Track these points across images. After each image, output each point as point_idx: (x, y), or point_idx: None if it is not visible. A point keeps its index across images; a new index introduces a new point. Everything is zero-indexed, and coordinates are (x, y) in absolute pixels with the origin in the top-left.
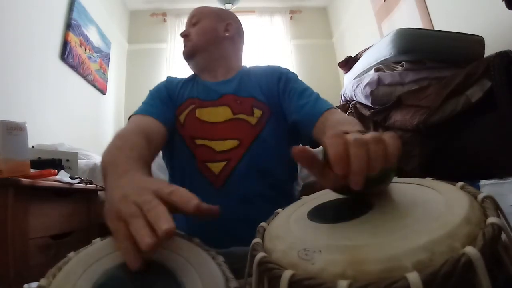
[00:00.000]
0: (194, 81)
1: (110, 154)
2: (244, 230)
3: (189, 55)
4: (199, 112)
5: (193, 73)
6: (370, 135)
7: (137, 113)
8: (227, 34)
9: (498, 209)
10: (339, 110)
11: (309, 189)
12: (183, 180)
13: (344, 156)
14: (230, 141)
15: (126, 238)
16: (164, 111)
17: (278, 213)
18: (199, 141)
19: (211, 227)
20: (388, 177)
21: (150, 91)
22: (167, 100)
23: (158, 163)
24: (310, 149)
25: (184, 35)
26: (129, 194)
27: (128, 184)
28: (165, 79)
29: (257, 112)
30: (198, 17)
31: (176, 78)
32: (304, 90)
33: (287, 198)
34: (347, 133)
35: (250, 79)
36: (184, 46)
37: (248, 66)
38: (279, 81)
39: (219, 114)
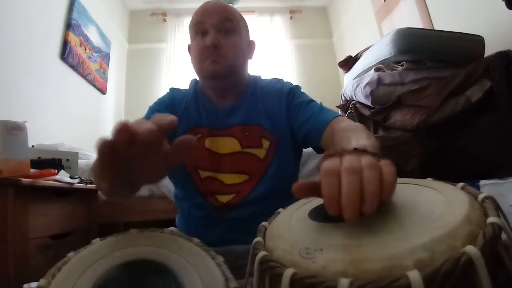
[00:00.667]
0: (197, 99)
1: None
2: (245, 243)
3: (222, 76)
4: (210, 143)
5: (192, 81)
6: (365, 160)
7: None
8: (251, 57)
9: (498, 209)
10: (345, 117)
11: None
12: (185, 197)
13: (337, 198)
14: (239, 175)
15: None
16: None
17: (279, 213)
18: (204, 173)
19: (215, 242)
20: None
21: (150, 106)
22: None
23: None
24: (306, 181)
25: (215, 45)
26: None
27: None
28: (164, 80)
29: (266, 143)
30: (232, 25)
31: (179, 91)
32: (308, 103)
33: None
34: (343, 153)
35: (258, 104)
36: (215, 62)
37: (252, 76)
38: (287, 99)
39: (226, 145)
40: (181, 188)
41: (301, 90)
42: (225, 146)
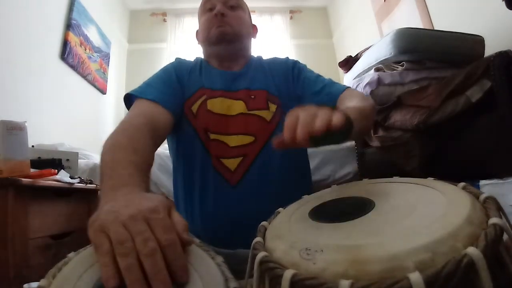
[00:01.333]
0: (202, 67)
1: (112, 152)
2: (256, 229)
3: (227, 39)
4: (211, 104)
5: (197, 57)
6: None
7: (143, 95)
8: (254, 37)
9: (500, 210)
10: (354, 89)
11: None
12: (194, 176)
13: (294, 127)
14: (245, 136)
15: (108, 255)
16: (172, 98)
17: (279, 212)
18: (212, 135)
19: (225, 224)
20: (335, 138)
21: (157, 72)
22: (175, 85)
23: (159, 163)
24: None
25: (222, 13)
26: (121, 213)
27: (122, 199)
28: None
29: (272, 107)
30: (236, 2)
31: (185, 61)
32: (317, 77)
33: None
34: None
35: (264, 70)
36: (220, 26)
37: (256, 56)
38: (293, 70)
39: (232, 107)
40: (190, 160)
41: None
42: (230, 108)
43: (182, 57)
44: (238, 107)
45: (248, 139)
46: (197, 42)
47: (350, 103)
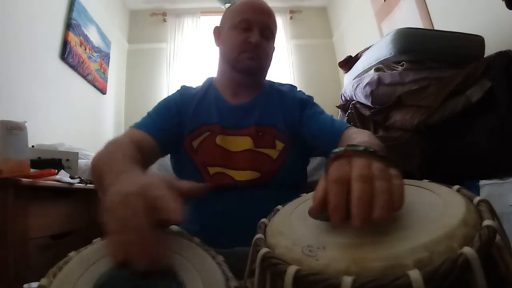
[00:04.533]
0: (209, 97)
1: (104, 155)
2: (251, 231)
3: (253, 72)
4: (221, 140)
5: (208, 79)
6: (376, 168)
7: (136, 125)
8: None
9: (492, 212)
10: (353, 127)
11: (309, 188)
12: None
13: (344, 206)
14: (252, 172)
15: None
16: (162, 129)
17: (278, 210)
18: (213, 169)
19: (221, 227)
20: None
21: (160, 102)
22: (173, 117)
23: (159, 163)
24: (317, 199)
25: (257, 45)
26: (124, 192)
27: (126, 181)
28: (164, 80)
29: (279, 145)
30: (271, 31)
31: (190, 89)
32: (320, 114)
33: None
34: (352, 155)
35: (274, 104)
36: (252, 59)
37: (267, 80)
38: (300, 111)
39: (240, 143)
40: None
41: (314, 101)
42: (238, 144)
43: (182, 59)
44: (245, 143)
45: (253, 174)
46: (214, 39)
47: (364, 138)
